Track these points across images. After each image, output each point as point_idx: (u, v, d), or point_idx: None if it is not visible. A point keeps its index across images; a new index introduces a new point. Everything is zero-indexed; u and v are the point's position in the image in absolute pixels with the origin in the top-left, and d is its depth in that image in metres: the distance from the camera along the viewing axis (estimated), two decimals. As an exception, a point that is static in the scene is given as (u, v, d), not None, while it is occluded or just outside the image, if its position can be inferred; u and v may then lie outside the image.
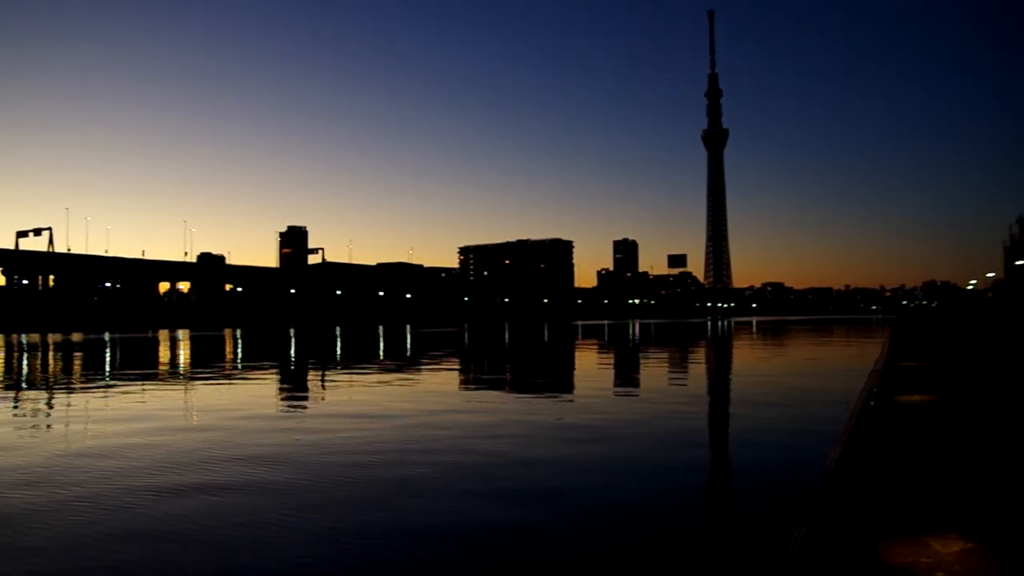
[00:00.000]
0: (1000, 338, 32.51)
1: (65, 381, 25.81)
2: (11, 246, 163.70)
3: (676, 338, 62.72)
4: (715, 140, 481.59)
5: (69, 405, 19.08)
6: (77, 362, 35.41)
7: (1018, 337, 32.48)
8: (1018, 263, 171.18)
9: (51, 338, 70.51)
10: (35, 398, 20.64)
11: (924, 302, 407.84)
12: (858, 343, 52.49)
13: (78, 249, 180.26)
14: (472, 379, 26.31)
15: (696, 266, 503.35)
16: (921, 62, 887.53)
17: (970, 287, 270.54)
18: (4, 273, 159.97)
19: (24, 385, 24.53)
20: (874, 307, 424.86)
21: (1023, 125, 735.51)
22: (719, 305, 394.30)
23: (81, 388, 23.16)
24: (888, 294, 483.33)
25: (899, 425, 9.04)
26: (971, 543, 4.58)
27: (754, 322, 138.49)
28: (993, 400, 11.74)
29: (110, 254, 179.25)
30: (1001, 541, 4.64)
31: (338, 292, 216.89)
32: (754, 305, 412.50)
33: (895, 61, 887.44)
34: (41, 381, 25.97)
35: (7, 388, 23.74)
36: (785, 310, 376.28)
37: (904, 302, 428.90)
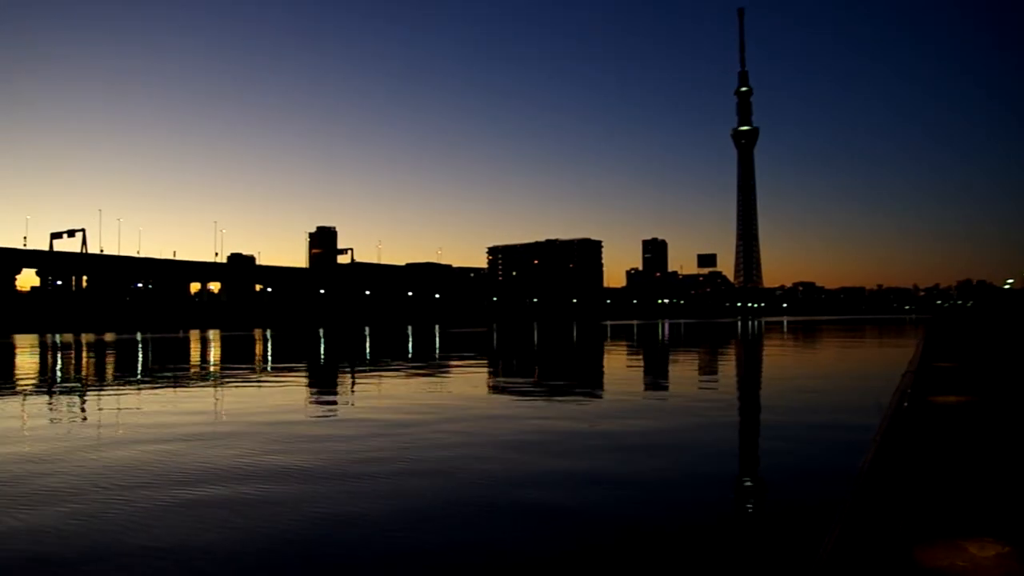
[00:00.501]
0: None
1: (97, 381, 26.18)
2: (45, 247, 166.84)
3: (706, 339, 62.32)
4: (745, 138, 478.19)
5: (100, 408, 19.33)
6: (110, 361, 35.91)
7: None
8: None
9: (84, 338, 71.65)
10: (69, 398, 20.93)
11: (959, 302, 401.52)
12: (891, 344, 51.80)
13: (110, 250, 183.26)
14: (501, 384, 26.32)
15: (726, 266, 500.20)
16: (955, 60, 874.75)
17: (1007, 286, 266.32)
18: (39, 274, 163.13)
19: (58, 384, 24.89)
20: (908, 307, 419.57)
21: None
22: (749, 305, 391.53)
23: (113, 388, 23.47)
24: (922, 294, 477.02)
25: (934, 426, 8.88)
26: (1008, 547, 4.48)
27: (785, 322, 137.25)
28: (1031, 401, 11.49)
29: (142, 255, 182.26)
30: (1041, 545, 4.52)
31: (367, 292, 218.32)
32: (785, 305, 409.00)
33: (932, 58, 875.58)
34: (75, 380, 26.37)
35: (40, 387, 24.10)
36: (816, 310, 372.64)
37: (939, 302, 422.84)
